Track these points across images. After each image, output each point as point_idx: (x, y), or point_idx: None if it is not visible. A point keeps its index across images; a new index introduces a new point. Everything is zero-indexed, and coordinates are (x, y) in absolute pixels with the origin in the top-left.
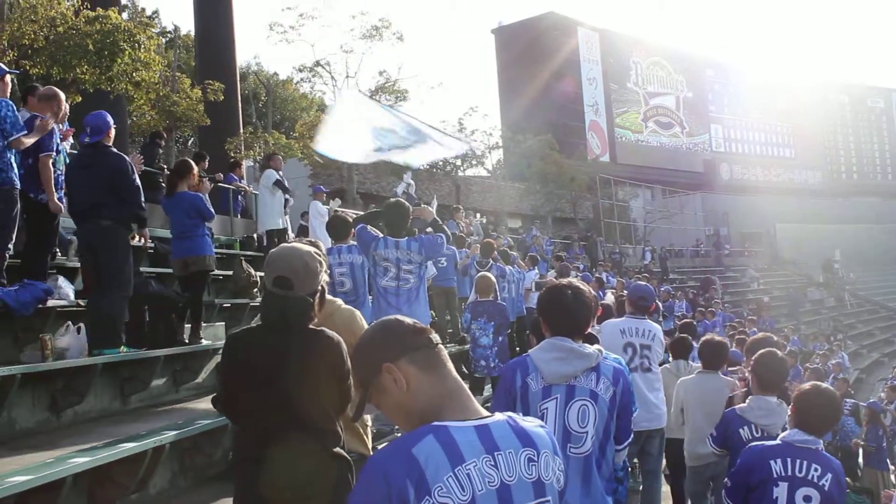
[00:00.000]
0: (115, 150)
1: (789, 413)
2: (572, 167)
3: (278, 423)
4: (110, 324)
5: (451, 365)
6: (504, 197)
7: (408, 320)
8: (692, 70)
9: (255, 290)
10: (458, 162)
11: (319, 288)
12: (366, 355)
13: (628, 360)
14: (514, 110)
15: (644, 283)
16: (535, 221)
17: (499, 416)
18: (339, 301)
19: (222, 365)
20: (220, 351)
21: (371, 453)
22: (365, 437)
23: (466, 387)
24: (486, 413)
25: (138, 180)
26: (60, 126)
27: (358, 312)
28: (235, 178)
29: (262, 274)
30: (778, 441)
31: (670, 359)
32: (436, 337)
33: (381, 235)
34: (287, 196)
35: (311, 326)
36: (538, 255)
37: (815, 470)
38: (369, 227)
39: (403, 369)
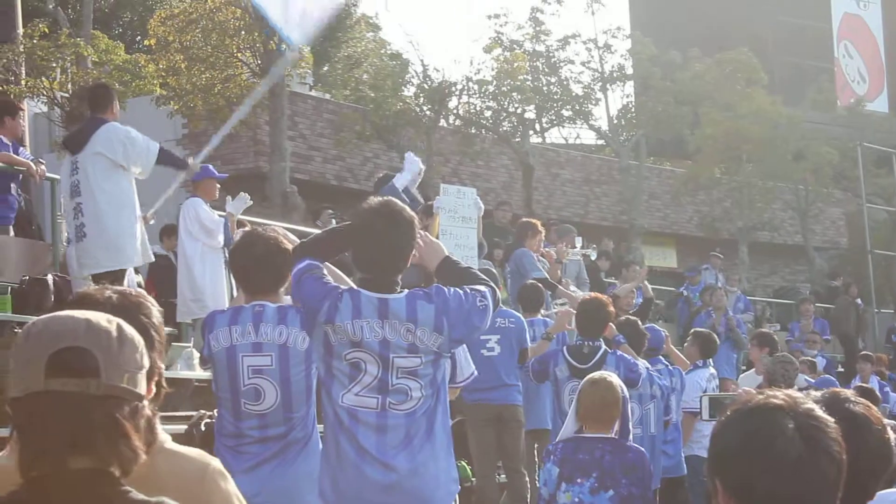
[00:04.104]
0: None
1: None
2: (799, 127)
3: None
4: None
5: None
6: (636, 194)
7: None
8: None
9: None
10: (530, 110)
11: (147, 376)
12: None
13: None
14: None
15: None
16: (711, 252)
17: None
18: (166, 438)
19: None
20: None
21: None
22: None
23: None
24: None
25: None
26: None
27: (216, 463)
28: (7, 143)
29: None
30: None
31: None
32: None
33: (343, 287)
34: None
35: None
36: (717, 329)
37: None
38: (324, 265)
39: None
